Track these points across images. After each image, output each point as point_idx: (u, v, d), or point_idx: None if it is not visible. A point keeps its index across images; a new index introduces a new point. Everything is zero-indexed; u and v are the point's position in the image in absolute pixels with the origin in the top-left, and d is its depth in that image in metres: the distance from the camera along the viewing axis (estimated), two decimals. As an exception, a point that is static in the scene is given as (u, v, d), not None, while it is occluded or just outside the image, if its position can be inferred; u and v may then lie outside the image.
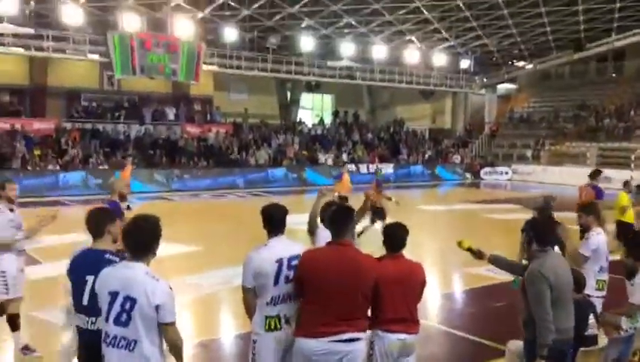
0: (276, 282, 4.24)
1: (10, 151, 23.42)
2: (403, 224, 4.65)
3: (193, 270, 10.22)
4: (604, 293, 6.03)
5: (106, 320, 3.61)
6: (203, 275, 9.85)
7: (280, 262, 4.25)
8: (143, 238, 3.67)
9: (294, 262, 4.26)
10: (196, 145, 28.33)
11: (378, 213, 12.65)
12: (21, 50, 24.90)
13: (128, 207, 7.80)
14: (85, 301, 4.04)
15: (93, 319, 3.99)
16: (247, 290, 4.33)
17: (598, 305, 5.71)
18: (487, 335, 7.05)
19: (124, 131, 27.84)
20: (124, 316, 3.54)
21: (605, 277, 6.05)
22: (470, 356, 6.85)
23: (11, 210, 6.30)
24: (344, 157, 31.49)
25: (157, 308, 3.51)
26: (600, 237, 6.01)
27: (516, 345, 5.73)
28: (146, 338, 3.54)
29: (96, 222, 4.22)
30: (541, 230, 4.73)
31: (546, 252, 4.60)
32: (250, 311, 4.38)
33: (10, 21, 22.97)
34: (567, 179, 30.01)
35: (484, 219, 16.32)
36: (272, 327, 4.26)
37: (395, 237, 4.58)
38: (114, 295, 3.57)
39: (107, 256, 4.04)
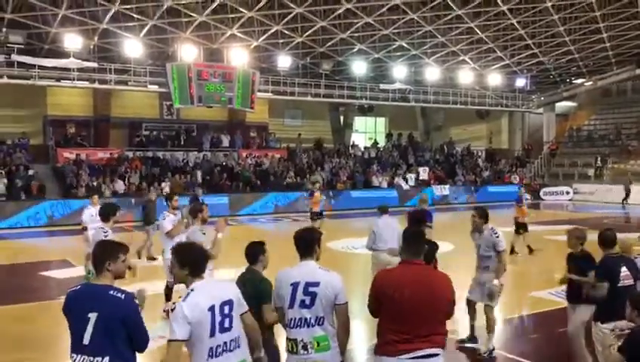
0: (291, 306, 4.33)
1: (75, 180, 24.40)
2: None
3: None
4: None
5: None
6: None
7: (295, 286, 4.32)
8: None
9: (312, 289, 4.28)
10: (252, 170, 28.80)
11: (523, 227, 14.93)
12: (86, 84, 26.07)
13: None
14: (87, 340, 3.74)
15: (99, 359, 3.72)
16: (277, 309, 4.55)
17: None
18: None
19: (182, 158, 28.60)
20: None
21: None
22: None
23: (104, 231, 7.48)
24: (409, 178, 31.33)
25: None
26: None
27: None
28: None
29: (99, 258, 4.00)
30: None
31: None
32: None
33: (75, 56, 24.15)
34: (633, 197, 28.90)
35: (546, 241, 15.84)
36: (290, 350, 4.36)
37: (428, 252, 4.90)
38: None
39: (111, 291, 3.85)
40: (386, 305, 4.26)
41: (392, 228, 9.00)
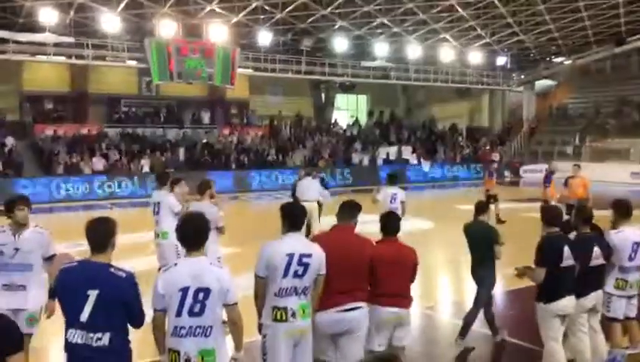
0: (285, 275, 4.49)
1: (53, 156, 24.07)
2: (396, 213, 5.71)
3: (232, 272, 10.27)
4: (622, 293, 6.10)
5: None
6: (241, 277, 9.92)
7: (291, 256, 4.49)
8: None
9: (305, 260, 4.51)
10: (233, 147, 28.65)
11: (493, 197, 16.05)
12: (62, 59, 25.65)
13: None
14: (84, 317, 3.71)
15: (99, 335, 3.71)
16: (260, 279, 4.59)
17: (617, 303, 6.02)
18: (529, 338, 6.92)
19: (161, 135, 28.32)
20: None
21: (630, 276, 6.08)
22: (512, 360, 6.75)
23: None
24: (389, 152, 31.37)
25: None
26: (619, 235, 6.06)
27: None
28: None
29: (101, 235, 3.91)
30: None
31: None
32: (258, 299, 4.63)
33: (51, 31, 23.65)
34: (610, 176, 29.29)
35: (523, 219, 16.02)
36: (279, 318, 4.50)
37: (390, 224, 5.35)
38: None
39: (112, 270, 3.82)
40: None
41: (308, 185, 13.38)
